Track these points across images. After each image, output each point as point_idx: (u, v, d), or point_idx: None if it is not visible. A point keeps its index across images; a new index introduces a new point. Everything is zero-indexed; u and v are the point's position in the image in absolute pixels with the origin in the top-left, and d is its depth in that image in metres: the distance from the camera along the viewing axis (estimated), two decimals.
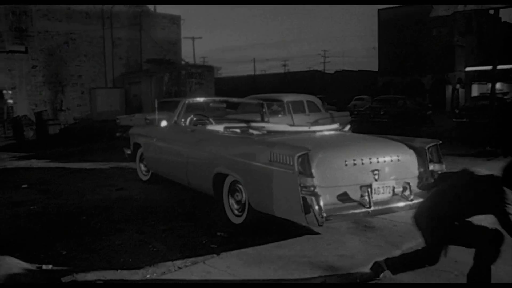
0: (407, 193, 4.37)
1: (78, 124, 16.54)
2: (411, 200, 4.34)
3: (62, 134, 15.48)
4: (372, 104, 22.18)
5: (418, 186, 4.67)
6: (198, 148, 5.47)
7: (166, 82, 17.38)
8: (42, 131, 15.08)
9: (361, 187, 4.22)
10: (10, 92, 14.73)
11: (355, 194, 4.16)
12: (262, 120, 7.28)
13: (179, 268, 3.87)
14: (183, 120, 6.49)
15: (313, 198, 3.75)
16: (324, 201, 3.97)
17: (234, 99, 7.98)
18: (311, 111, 11.23)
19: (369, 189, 4.10)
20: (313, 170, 3.91)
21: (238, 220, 4.87)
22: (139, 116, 13.81)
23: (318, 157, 4.08)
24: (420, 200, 4.41)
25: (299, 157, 3.87)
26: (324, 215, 3.76)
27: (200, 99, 6.88)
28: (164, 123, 6.53)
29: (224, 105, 12.18)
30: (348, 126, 5.64)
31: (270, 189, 4.22)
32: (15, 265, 3.75)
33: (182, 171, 6.00)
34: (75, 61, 16.36)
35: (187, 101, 6.53)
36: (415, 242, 4.50)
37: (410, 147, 4.77)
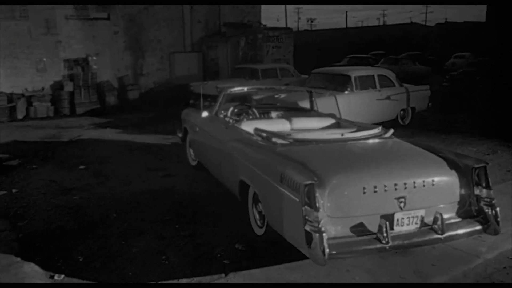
0: (438, 224, 3.82)
1: (156, 88, 17.10)
2: (443, 233, 3.79)
3: (141, 99, 16.17)
4: (468, 68, 19.93)
5: (458, 214, 4.08)
6: (228, 149, 5.27)
7: (242, 47, 17.15)
8: (123, 96, 15.85)
9: (381, 217, 3.76)
10: (94, 58, 15.49)
11: (373, 226, 3.71)
12: (311, 109, 6.85)
13: None
14: (223, 112, 6.29)
15: (317, 235, 3.41)
16: (334, 233, 3.63)
17: (282, 88, 7.53)
18: (383, 86, 10.41)
19: (387, 222, 3.63)
20: (321, 202, 3.55)
21: (259, 232, 4.66)
22: (211, 84, 13.84)
23: (332, 183, 3.68)
24: (456, 232, 3.89)
25: (306, 186, 3.52)
26: (328, 252, 3.40)
27: (242, 89, 6.56)
28: (205, 114, 6.37)
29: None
30: (391, 131, 5.00)
31: (281, 211, 3.93)
32: (29, 273, 3.95)
33: (217, 168, 5.88)
34: (154, 26, 16.67)
35: (227, 92, 6.26)
36: (448, 276, 4.03)
37: (452, 166, 4.14)
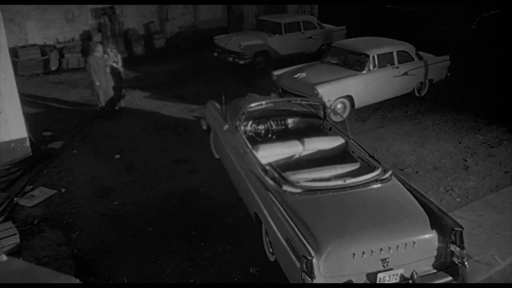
0: (414, 279, 4.64)
1: (182, 32, 17.35)
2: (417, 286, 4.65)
3: (167, 47, 16.56)
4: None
5: (434, 265, 4.89)
6: (244, 178, 6.03)
7: None
8: (149, 45, 16.25)
9: (367, 275, 4.61)
10: (120, 5, 15.68)
11: (359, 282, 4.59)
12: (325, 118, 7.39)
13: None
14: (243, 127, 6.92)
15: None
16: None
17: (298, 100, 7.94)
18: (401, 61, 10.61)
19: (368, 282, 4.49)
20: (318, 266, 4.38)
21: (271, 258, 5.57)
22: (235, 40, 14.16)
23: (328, 250, 4.49)
24: (431, 283, 4.72)
25: (303, 257, 4.35)
26: None
27: (261, 103, 7.04)
28: (226, 127, 7.01)
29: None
30: (390, 173, 5.59)
31: (285, 263, 4.82)
32: None
33: (235, 183, 6.69)
34: None
35: (246, 111, 6.82)
36: None
37: (434, 224, 4.86)
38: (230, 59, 14.05)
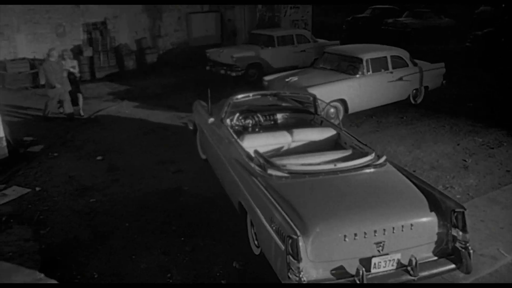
0: (413, 266, 4.17)
1: (175, 49, 17.22)
2: (416, 275, 4.16)
3: (159, 62, 16.40)
4: (499, 21, 18.98)
5: (434, 252, 4.43)
6: (229, 168, 5.62)
7: (260, 8, 16.89)
8: (141, 60, 16.08)
9: (360, 260, 4.15)
10: (112, 20, 15.59)
11: (352, 268, 4.10)
12: (316, 113, 7.04)
13: None
14: (228, 120, 6.55)
15: (297, 280, 3.84)
16: (315, 276, 4.05)
17: (287, 93, 7.62)
18: (396, 66, 10.37)
19: (363, 268, 4.01)
20: (305, 249, 3.93)
21: (256, 251, 5.10)
22: (227, 52, 13.96)
23: (315, 232, 4.04)
24: (429, 273, 4.25)
25: (290, 238, 3.89)
26: None
27: (248, 95, 6.70)
28: (211, 120, 6.64)
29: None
30: (384, 158, 5.19)
31: (270, 249, 4.35)
32: None
33: (220, 177, 6.28)
34: None
35: (232, 101, 6.47)
36: None
37: (433, 207, 4.43)
38: (223, 71, 13.82)
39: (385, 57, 10.28)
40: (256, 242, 5.09)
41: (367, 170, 4.97)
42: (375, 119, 10.22)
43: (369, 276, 4.10)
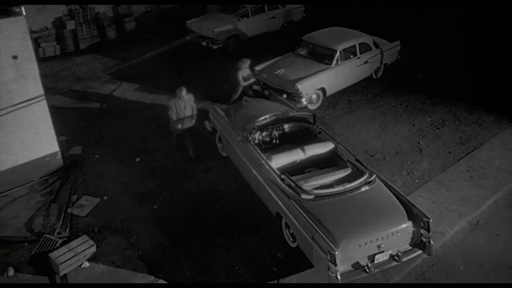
0: (399, 255, 6.81)
1: (149, 12, 18.03)
2: (401, 261, 6.82)
3: (138, 30, 17.32)
4: None
5: (410, 244, 7.08)
6: (265, 185, 7.83)
7: None
8: (121, 28, 16.94)
9: (368, 256, 6.72)
10: None
11: (363, 262, 6.69)
12: (314, 123, 9.19)
13: None
14: (250, 136, 8.60)
15: (334, 277, 6.36)
16: (342, 269, 6.58)
17: (294, 112, 9.42)
18: (362, 52, 12.44)
19: (368, 262, 6.62)
20: (338, 261, 6.37)
21: (293, 245, 7.54)
22: (208, 25, 15.26)
23: (343, 244, 6.50)
24: (408, 258, 6.93)
25: (328, 252, 6.34)
26: (340, 280, 6.40)
27: (266, 119, 8.63)
28: (239, 138, 8.62)
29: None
30: (374, 176, 7.58)
31: (311, 252, 6.81)
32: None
33: (254, 187, 8.45)
34: None
35: (255, 125, 8.53)
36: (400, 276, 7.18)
37: (410, 216, 6.98)
38: (204, 43, 15.27)
39: (354, 45, 12.30)
40: (291, 239, 7.52)
41: (364, 189, 7.39)
42: (346, 98, 12.48)
43: (373, 265, 6.71)
